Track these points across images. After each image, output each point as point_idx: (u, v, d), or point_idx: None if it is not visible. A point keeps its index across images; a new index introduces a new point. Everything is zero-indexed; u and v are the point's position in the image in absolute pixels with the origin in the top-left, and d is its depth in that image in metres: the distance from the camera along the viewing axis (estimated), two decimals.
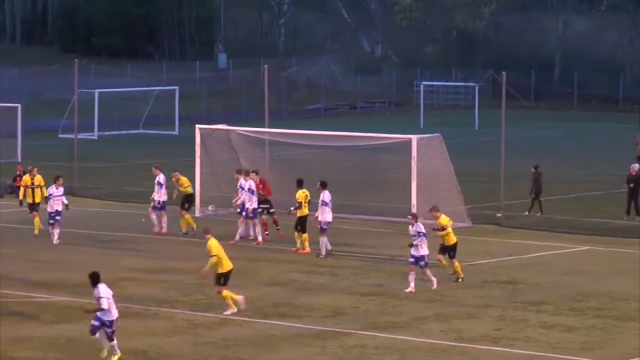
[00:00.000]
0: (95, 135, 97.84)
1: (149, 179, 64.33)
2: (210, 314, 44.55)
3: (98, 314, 32.23)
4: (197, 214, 61.84)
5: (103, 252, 57.20)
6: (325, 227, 53.90)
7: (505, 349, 38.78)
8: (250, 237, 59.23)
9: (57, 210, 59.44)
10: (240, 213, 59.34)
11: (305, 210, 56.44)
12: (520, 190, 64.44)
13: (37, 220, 60.25)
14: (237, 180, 59.49)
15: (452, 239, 48.77)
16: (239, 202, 59.88)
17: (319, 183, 55.38)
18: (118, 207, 67.41)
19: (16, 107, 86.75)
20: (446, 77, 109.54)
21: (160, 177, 61.83)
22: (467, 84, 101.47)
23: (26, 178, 61.59)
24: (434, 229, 48.05)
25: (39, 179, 61.92)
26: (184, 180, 61.09)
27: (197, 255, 50.16)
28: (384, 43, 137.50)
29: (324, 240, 53.89)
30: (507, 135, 62.57)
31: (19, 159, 79.37)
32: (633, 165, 63.89)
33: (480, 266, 51.35)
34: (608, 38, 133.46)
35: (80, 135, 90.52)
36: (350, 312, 43.90)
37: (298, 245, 55.96)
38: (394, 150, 61.75)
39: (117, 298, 39.24)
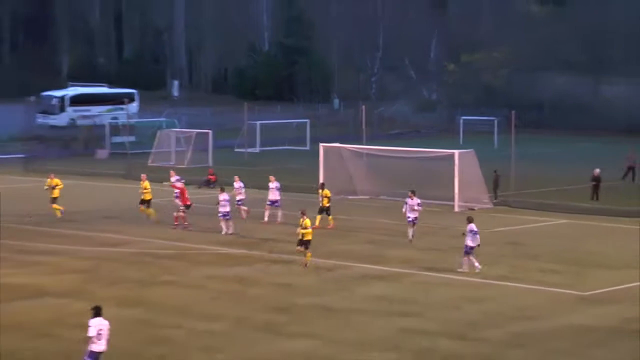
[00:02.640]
0: (257, 149, 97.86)
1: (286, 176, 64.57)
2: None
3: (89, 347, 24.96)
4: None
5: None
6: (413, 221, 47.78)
7: (516, 284, 38.87)
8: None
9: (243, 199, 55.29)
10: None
11: (325, 202, 53.19)
12: (525, 183, 64.07)
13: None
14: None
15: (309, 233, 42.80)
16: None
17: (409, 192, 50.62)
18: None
19: (208, 132, 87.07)
20: (475, 113, 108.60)
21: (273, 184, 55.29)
22: (489, 118, 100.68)
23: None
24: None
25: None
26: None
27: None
28: (437, 92, 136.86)
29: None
30: (517, 150, 62.35)
31: (210, 164, 79.65)
32: (595, 169, 63.63)
33: (497, 232, 51.23)
34: None
35: (249, 150, 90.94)
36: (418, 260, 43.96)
37: (317, 224, 50.80)
38: (445, 159, 61.65)
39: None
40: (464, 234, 41.02)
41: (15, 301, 36.76)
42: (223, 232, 50.11)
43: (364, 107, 75.70)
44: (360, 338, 31.85)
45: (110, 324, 33.08)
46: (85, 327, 32.77)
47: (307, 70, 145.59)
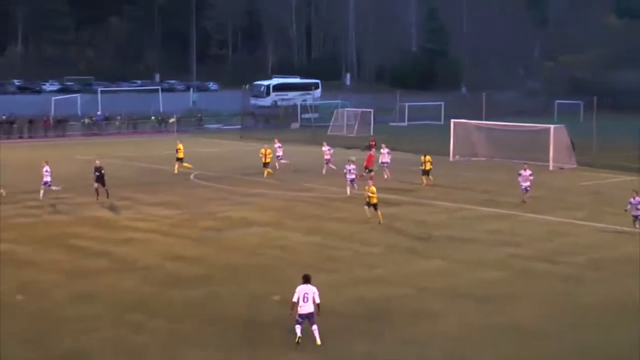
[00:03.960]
0: (405, 124, 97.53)
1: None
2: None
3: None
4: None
5: None
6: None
7: (594, 224, 38.34)
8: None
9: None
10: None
11: (427, 166, 50.08)
12: (603, 149, 62.99)
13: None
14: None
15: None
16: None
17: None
18: None
19: (370, 111, 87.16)
20: (567, 99, 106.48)
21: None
22: (576, 101, 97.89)
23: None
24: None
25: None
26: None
27: None
28: (539, 83, 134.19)
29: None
30: (597, 126, 61.61)
31: (371, 134, 79.62)
32: None
33: (581, 186, 50.66)
34: None
35: (399, 124, 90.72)
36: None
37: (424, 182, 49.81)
38: (543, 131, 60.70)
39: None
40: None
41: (233, 229, 37.55)
42: (348, 194, 45.77)
43: (484, 94, 74.95)
44: (477, 260, 31.77)
45: (297, 247, 33.68)
46: (284, 248, 33.43)
47: (443, 67, 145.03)
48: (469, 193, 48.13)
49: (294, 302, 21.49)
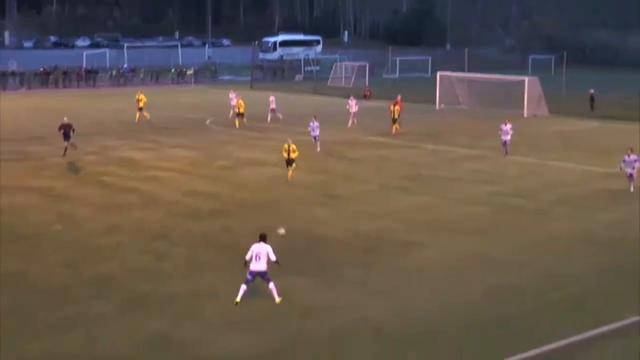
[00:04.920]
0: (397, 76, 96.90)
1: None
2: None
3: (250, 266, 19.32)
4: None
5: None
6: None
7: (564, 164, 38.02)
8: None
9: None
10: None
11: (396, 115, 48.05)
12: (573, 98, 62.74)
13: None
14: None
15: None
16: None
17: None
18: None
19: (365, 65, 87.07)
20: (540, 54, 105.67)
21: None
22: (548, 56, 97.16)
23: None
24: None
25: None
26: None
27: None
28: (515, 40, 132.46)
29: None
30: (566, 78, 61.19)
31: (366, 85, 79.18)
32: (590, 90, 60.75)
33: (551, 131, 50.42)
34: None
35: (391, 76, 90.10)
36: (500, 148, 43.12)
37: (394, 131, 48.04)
38: (518, 83, 60.40)
39: None
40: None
41: (244, 169, 37.53)
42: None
43: (466, 50, 74.59)
44: (460, 196, 31.75)
45: (301, 184, 33.60)
46: (289, 185, 33.34)
47: (430, 26, 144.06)
48: (453, 137, 47.97)
49: (247, 260, 19.36)
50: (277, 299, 19.30)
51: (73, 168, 37.48)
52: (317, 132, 41.54)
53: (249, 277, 19.25)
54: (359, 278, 21.55)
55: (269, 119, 54.34)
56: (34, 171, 36.57)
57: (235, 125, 51.35)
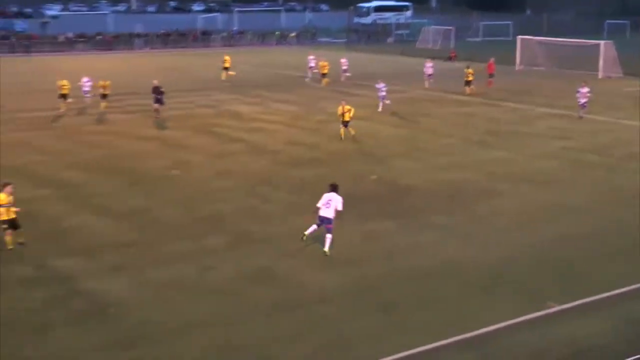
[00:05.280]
0: (479, 39, 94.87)
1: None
2: None
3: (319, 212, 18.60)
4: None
5: None
6: None
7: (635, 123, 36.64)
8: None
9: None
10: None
11: (470, 77, 46.30)
12: None
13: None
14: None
15: None
16: None
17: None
18: None
19: (451, 29, 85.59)
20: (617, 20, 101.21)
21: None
22: (624, 21, 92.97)
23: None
24: None
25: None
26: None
27: None
28: (596, 7, 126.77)
29: None
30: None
31: (452, 47, 77.96)
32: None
33: (626, 92, 48.76)
34: None
35: (475, 39, 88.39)
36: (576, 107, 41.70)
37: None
38: (594, 46, 58.53)
39: None
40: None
41: (339, 123, 37.40)
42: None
43: (545, 15, 72.46)
44: (537, 151, 31.13)
45: (390, 137, 33.46)
46: (378, 138, 33.28)
47: None
48: (532, 96, 46.91)
49: (318, 206, 18.70)
50: (327, 250, 18.59)
51: (188, 119, 38.23)
52: (384, 93, 40.09)
53: (318, 221, 18.83)
54: (441, 223, 21.44)
55: (342, 78, 53.32)
56: (154, 122, 37.42)
57: (322, 84, 50.57)
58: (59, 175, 26.68)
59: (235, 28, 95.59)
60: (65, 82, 39.51)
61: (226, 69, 53.51)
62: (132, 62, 63.42)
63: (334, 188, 18.85)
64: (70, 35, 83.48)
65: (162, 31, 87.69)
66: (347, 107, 32.27)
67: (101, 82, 40.80)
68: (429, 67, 50.87)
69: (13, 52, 76.45)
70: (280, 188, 25.05)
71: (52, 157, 29.58)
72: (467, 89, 46.99)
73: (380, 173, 26.93)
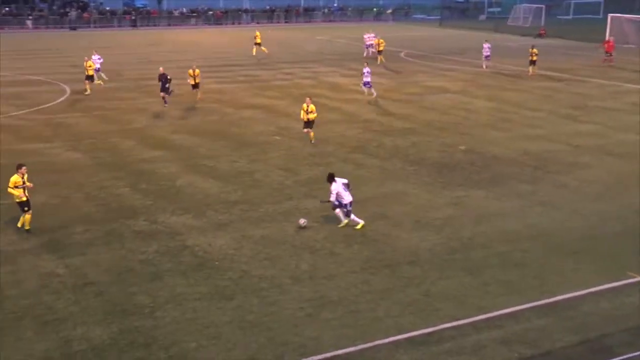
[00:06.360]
0: (570, 17, 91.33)
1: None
2: None
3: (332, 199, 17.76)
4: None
5: None
6: None
7: None
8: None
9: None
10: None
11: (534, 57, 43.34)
12: None
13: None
14: None
15: None
16: None
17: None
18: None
19: (542, 7, 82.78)
20: None
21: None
22: None
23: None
24: None
25: None
26: None
27: None
28: None
29: None
30: None
31: (542, 24, 75.33)
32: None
33: None
34: None
35: (564, 17, 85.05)
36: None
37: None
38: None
39: None
40: None
41: (431, 95, 37.03)
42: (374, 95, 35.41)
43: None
44: (622, 125, 30.16)
45: (479, 110, 32.73)
46: (469, 110, 32.60)
47: None
48: (619, 72, 45.03)
49: (331, 201, 17.89)
50: (343, 223, 17.90)
51: (290, 89, 38.36)
52: (368, 79, 34.84)
53: (344, 209, 17.91)
54: (527, 191, 21.04)
55: (365, 54, 50.97)
56: (259, 91, 37.71)
57: (378, 62, 47.62)
58: (171, 138, 27.20)
59: (335, 4, 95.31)
60: (90, 63, 36.19)
61: (258, 44, 51.16)
62: (239, 34, 63.98)
63: (331, 178, 17.95)
64: (184, 10, 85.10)
65: (267, 7, 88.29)
66: (312, 106, 26.05)
67: (190, 72, 34.24)
68: (487, 48, 46.58)
69: (134, 26, 78.51)
70: (373, 155, 24.91)
71: (166, 122, 30.22)
72: (530, 69, 43.77)
73: (470, 143, 26.42)
